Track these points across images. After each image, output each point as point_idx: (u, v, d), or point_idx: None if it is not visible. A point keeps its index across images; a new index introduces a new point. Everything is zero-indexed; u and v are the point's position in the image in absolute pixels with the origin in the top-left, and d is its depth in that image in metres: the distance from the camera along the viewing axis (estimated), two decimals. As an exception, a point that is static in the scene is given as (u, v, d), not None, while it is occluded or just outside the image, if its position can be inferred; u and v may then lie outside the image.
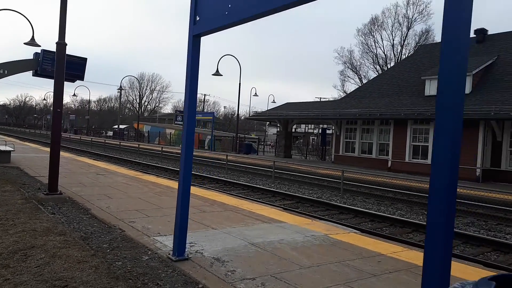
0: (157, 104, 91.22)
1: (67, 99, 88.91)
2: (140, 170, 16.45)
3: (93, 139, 43.97)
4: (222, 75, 29.37)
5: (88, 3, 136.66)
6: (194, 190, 9.81)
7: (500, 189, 13.56)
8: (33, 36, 20.37)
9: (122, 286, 3.37)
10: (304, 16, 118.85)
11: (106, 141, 39.46)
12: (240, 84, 31.54)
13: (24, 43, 20.05)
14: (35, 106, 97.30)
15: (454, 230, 8.32)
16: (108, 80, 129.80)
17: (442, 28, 2.01)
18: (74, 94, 65.41)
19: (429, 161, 20.75)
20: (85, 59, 10.97)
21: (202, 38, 4.06)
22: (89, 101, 79.63)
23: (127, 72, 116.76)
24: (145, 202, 7.58)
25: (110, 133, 63.72)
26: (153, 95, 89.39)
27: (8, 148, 13.95)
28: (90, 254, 4.16)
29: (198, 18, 3.98)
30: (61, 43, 7.03)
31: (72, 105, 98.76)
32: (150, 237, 5.06)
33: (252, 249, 4.77)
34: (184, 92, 4.18)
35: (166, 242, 4.79)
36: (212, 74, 29.18)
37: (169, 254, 4.29)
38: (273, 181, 15.93)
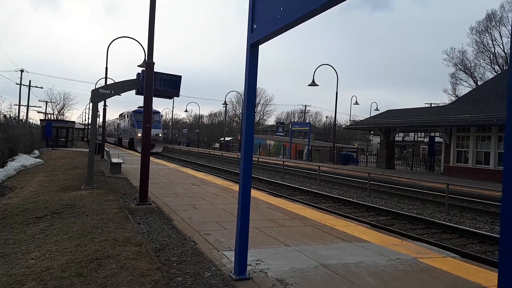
0: (261, 117, 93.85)
1: (182, 114, 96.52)
2: (234, 180, 16.88)
3: (199, 150, 46.89)
4: (318, 85, 28.93)
5: (200, 26, 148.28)
6: (279, 202, 9.64)
7: None
8: (145, 58, 22.57)
9: (174, 304, 3.29)
10: (407, 18, 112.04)
11: (210, 152, 41.72)
12: (337, 93, 30.74)
13: (138, 66, 22.29)
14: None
15: None
16: (218, 96, 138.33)
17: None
18: (186, 109, 72.90)
19: None
20: (179, 77, 11.66)
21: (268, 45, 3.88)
22: (199, 116, 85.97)
23: (236, 88, 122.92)
24: (227, 214, 7.61)
25: (217, 145, 67.43)
26: (258, 108, 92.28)
27: (119, 161, 15.47)
28: (156, 267, 4.21)
29: (255, 26, 3.81)
30: (150, 62, 7.52)
31: (187, 120, 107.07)
32: (219, 252, 4.97)
33: (322, 272, 4.36)
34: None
35: (233, 258, 4.63)
36: (308, 85, 28.94)
37: (231, 271, 4.13)
38: (368, 194, 14.95)
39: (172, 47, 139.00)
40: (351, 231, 6.59)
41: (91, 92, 11.03)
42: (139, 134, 35.36)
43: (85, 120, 67.48)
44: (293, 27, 3.26)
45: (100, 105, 27.59)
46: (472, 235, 8.58)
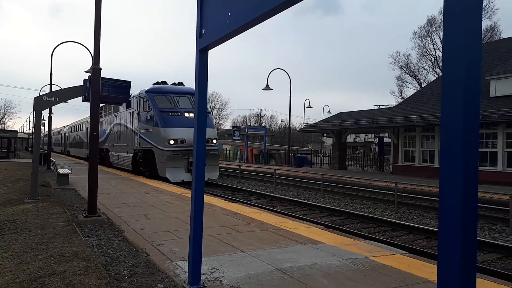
0: (217, 121, 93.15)
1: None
2: (188, 188, 16.60)
3: (153, 158, 45.71)
4: (272, 89, 29.29)
5: (153, 30, 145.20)
6: (236, 207, 9.58)
7: None
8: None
9: (124, 321, 3.14)
10: (356, 24, 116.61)
11: (164, 159, 40.81)
12: (290, 96, 31.26)
13: (85, 71, 21.42)
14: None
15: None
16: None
17: None
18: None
19: (500, 168, 18.90)
20: (129, 82, 11.30)
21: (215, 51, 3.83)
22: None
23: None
24: (181, 222, 7.44)
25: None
26: (214, 112, 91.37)
27: (66, 171, 14.72)
28: (105, 282, 4.02)
29: (203, 31, 3.76)
30: (96, 68, 7.23)
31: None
32: (172, 262, 4.84)
33: (277, 276, 4.37)
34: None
35: (187, 268, 4.52)
36: (262, 89, 29.20)
37: (185, 282, 4.03)
38: (322, 196, 15.29)
39: (124, 52, 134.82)
40: (306, 233, 6.67)
41: (34, 100, 10.41)
42: (172, 141, 16.94)
43: (30, 129, 63.65)
44: (242, 32, 3.24)
45: (46, 113, 26.14)
46: (419, 231, 8.99)
